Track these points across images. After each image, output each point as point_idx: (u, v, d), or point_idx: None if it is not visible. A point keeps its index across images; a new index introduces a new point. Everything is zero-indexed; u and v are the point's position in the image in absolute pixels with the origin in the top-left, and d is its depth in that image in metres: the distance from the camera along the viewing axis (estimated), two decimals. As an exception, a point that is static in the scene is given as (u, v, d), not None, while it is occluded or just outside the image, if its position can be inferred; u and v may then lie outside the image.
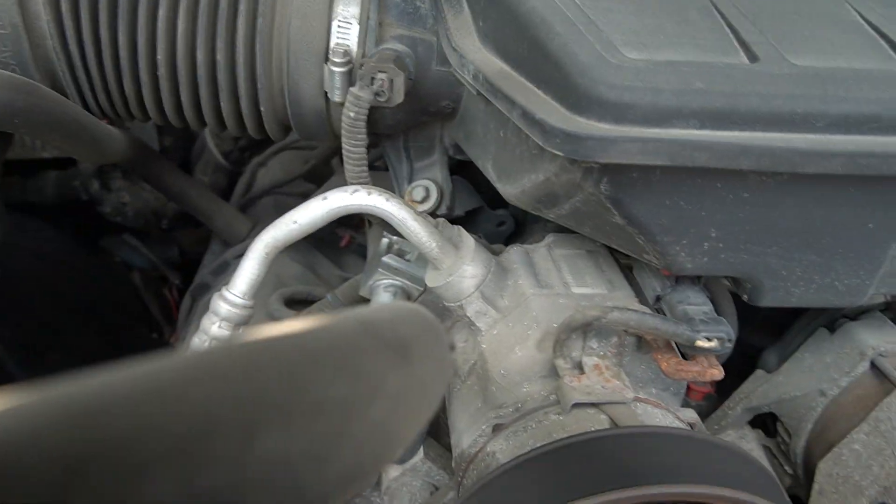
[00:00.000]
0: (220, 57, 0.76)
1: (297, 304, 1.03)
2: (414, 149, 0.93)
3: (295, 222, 0.70)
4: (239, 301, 0.71)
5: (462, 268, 0.70)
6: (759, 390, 0.83)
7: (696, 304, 0.65)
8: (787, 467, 0.85)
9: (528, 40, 0.63)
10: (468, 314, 0.71)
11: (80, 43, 0.74)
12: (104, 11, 0.73)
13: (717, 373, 0.61)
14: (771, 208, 0.59)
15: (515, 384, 0.67)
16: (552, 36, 0.60)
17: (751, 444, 0.85)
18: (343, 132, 0.72)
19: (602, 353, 0.66)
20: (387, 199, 0.70)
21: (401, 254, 0.83)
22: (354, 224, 1.26)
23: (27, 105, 0.66)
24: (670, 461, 0.54)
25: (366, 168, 0.74)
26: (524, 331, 0.68)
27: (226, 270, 1.14)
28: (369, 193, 0.69)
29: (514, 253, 0.78)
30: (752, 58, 0.60)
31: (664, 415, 0.64)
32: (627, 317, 0.61)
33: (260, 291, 1.05)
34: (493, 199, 0.96)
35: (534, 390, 0.67)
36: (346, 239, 1.25)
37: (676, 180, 0.57)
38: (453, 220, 0.81)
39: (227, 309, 0.70)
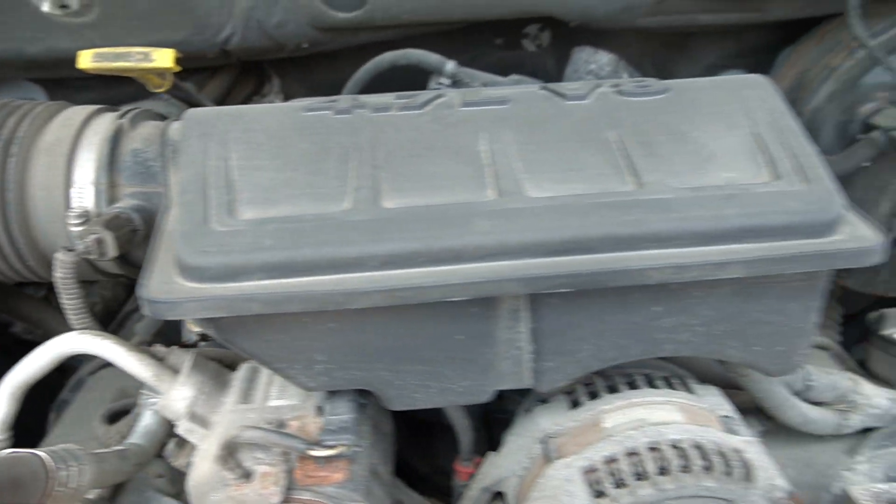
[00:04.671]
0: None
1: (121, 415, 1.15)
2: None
3: (30, 367, 0.83)
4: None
5: (171, 392, 0.82)
6: (489, 472, 0.91)
7: (338, 414, 0.76)
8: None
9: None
10: (180, 432, 0.83)
11: None
12: None
13: (340, 476, 0.71)
14: (359, 333, 0.70)
15: (204, 495, 0.78)
16: (179, 205, 0.73)
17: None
18: (57, 290, 0.85)
19: (270, 461, 0.76)
20: (102, 340, 0.83)
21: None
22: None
23: None
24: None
25: (86, 315, 0.87)
26: (211, 446, 0.79)
27: (82, 387, 1.28)
28: (88, 337, 0.83)
29: (242, 370, 0.89)
30: (342, 206, 0.72)
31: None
32: (254, 434, 0.71)
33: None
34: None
35: (219, 501, 0.77)
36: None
37: (269, 321, 0.68)
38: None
39: (-19, 444, 0.83)
